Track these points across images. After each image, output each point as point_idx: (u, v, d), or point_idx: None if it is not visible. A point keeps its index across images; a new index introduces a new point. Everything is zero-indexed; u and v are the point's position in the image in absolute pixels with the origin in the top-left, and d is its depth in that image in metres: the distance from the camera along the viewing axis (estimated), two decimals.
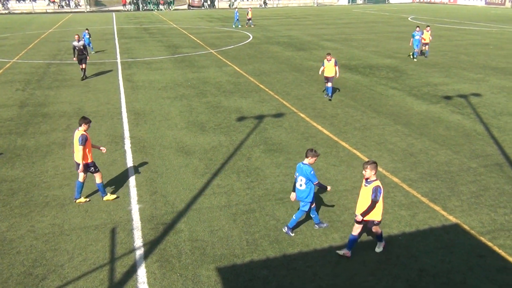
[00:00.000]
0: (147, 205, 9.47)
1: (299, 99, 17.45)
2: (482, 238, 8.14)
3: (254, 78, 21.18)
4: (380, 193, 7.19)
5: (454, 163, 11.30)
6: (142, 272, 7.40)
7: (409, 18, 52.94)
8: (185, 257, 7.77)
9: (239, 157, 11.93)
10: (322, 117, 15.16)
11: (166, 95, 18.27)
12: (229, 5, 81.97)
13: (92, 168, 9.38)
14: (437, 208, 9.20)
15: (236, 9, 48.37)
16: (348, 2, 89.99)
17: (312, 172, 7.91)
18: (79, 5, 76.90)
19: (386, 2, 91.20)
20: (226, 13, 66.88)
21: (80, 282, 7.14)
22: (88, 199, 9.67)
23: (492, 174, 10.72)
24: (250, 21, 45.61)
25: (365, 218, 7.36)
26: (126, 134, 13.73)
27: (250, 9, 47.91)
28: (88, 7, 75.27)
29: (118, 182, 10.50)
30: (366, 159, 11.57)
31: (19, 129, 14.31)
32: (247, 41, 34.29)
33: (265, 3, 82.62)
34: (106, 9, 78.20)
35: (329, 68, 16.64)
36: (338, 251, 7.78)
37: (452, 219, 8.78)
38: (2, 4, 73.67)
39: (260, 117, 15.21)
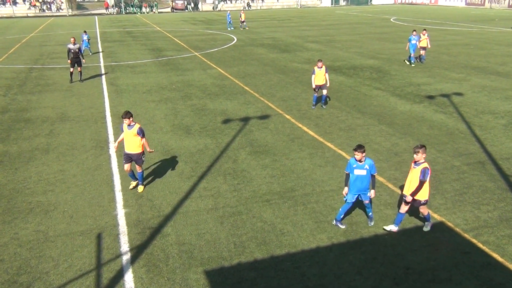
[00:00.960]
0: (133, 210, 9.40)
1: (284, 100, 17.51)
2: (466, 235, 8.26)
3: (239, 80, 21.19)
4: (428, 174, 7.83)
5: (438, 162, 11.46)
6: (129, 277, 7.33)
7: (391, 19, 53.57)
8: (172, 261, 7.73)
9: (225, 160, 11.92)
10: (308, 118, 15.23)
11: (151, 99, 18.17)
12: (213, 8, 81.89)
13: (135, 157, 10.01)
14: None
15: (228, 12, 48.38)
16: (331, 4, 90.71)
17: (348, 162, 8.38)
18: (60, 8, 76.02)
19: (369, 4, 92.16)
20: (210, 15, 66.83)
21: None
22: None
23: (475, 172, 10.90)
24: (244, 23, 45.69)
25: (416, 197, 7.98)
26: (111, 138, 13.60)
27: (243, 11, 47.85)
28: (70, 10, 74.46)
29: (103, 187, 10.40)
30: None
31: (1, 135, 14.07)
32: (231, 44, 34.30)
33: (248, 5, 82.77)
34: (88, 12, 77.48)
35: (320, 76, 15.68)
36: (384, 227, 8.46)
37: (437, 217, 8.90)
38: None
39: (245, 119, 15.22)
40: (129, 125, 9.65)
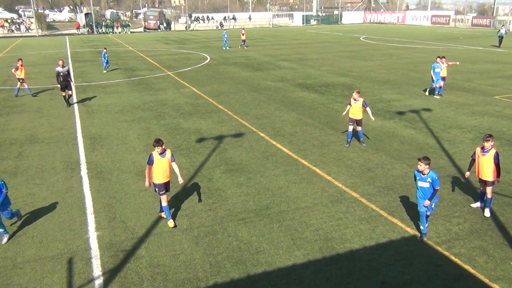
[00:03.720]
0: (106, 232, 9.18)
1: (258, 118, 17.62)
2: (438, 248, 8.41)
3: (213, 99, 21.23)
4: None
5: (410, 176, 11.67)
6: None
7: (361, 38, 54.99)
8: (147, 283, 7.55)
9: (200, 179, 11.84)
10: (281, 135, 15.34)
11: (123, 119, 17.96)
12: (186, 28, 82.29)
13: (157, 189, 9.27)
14: (395, 220, 9.45)
15: (225, 31, 47.31)
16: (302, 23, 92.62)
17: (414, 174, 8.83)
18: (30, 29, 74.87)
19: (339, 23, 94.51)
20: (183, 35, 67.09)
21: None
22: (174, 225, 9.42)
23: (445, 185, 11.15)
24: (244, 42, 44.80)
25: (486, 179, 9.27)
26: (82, 159, 13.33)
27: (243, 29, 46.79)
28: (39, 31, 73.36)
29: (74, 210, 10.13)
30: (326, 176, 11.77)
31: None
32: (204, 63, 34.45)
33: (221, 25, 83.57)
34: (59, 32, 76.52)
35: (356, 110, 13.65)
36: (485, 215, 9.53)
37: (410, 230, 9.04)
38: None
39: (220, 138, 15.21)
40: (161, 153, 9.04)
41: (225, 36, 44.75)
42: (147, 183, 9.27)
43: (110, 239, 8.93)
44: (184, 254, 8.37)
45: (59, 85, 20.00)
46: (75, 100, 21.58)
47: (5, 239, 8.86)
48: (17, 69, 22.14)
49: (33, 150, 14.28)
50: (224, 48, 44.51)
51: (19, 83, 22.45)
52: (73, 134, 15.93)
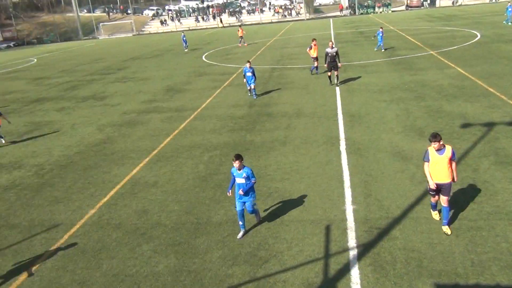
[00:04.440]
0: (361, 207, 9.44)
1: None
2: None
3: (482, 81, 18.92)
4: None
5: None
6: (355, 273, 7.39)
7: None
8: (400, 266, 7.44)
9: (463, 168, 10.81)
10: None
11: (382, 98, 17.91)
12: (453, 3, 75.53)
13: (429, 187, 8.32)
14: None
15: (510, 3, 40.19)
16: None
17: None
18: (299, 13, 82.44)
19: None
20: (449, 11, 61.85)
21: (297, 271, 7.58)
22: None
23: None
24: None
25: None
26: (342, 135, 13.98)
27: None
28: (307, 15, 80.00)
29: (333, 181, 10.77)
30: None
31: (248, 126, 16.11)
32: (473, 41, 30.96)
33: None
34: (324, 15, 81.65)
35: None
36: None
37: None
38: (236, 17, 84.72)
39: (489, 125, 13.49)
40: (439, 149, 7.98)
41: (510, 8, 38.57)
42: (432, 185, 8.10)
43: (365, 214, 9.13)
44: (441, 245, 7.85)
45: (326, 65, 20.86)
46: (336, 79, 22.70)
47: (240, 234, 8.81)
48: (311, 48, 24.21)
49: (299, 123, 15.79)
50: (505, 23, 38.69)
51: (315, 62, 24.32)
52: (334, 111, 16.86)
